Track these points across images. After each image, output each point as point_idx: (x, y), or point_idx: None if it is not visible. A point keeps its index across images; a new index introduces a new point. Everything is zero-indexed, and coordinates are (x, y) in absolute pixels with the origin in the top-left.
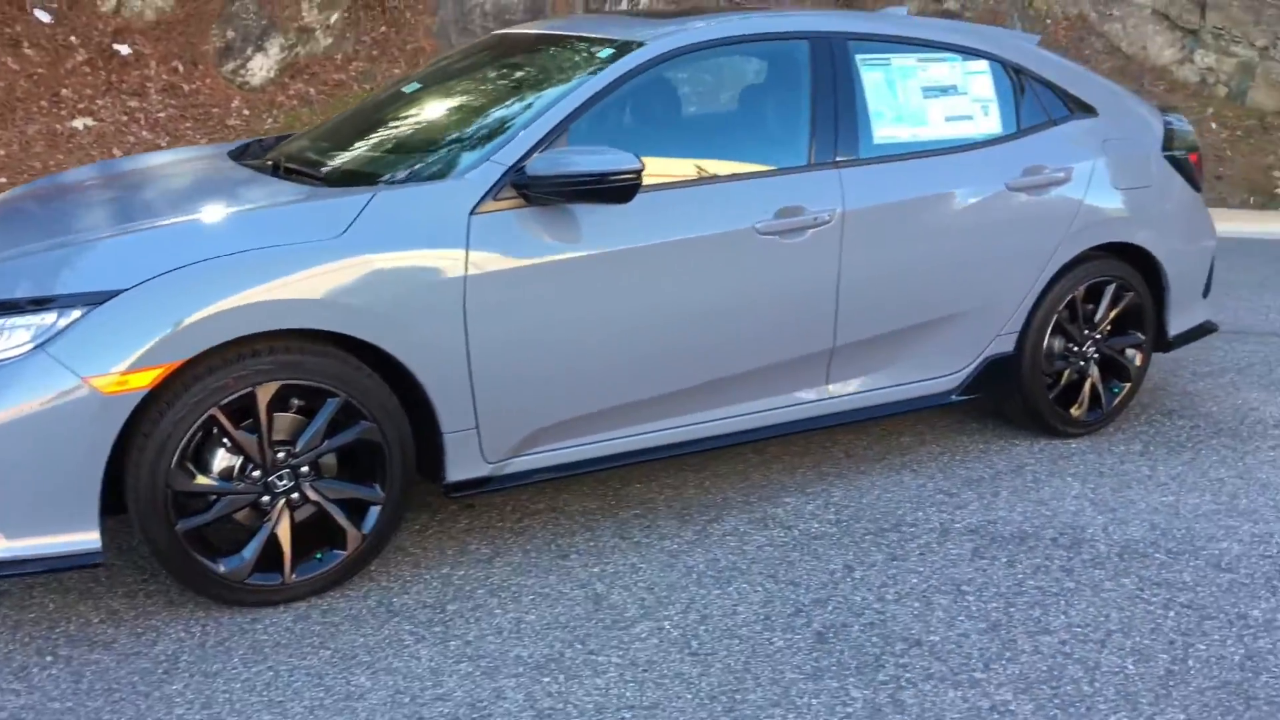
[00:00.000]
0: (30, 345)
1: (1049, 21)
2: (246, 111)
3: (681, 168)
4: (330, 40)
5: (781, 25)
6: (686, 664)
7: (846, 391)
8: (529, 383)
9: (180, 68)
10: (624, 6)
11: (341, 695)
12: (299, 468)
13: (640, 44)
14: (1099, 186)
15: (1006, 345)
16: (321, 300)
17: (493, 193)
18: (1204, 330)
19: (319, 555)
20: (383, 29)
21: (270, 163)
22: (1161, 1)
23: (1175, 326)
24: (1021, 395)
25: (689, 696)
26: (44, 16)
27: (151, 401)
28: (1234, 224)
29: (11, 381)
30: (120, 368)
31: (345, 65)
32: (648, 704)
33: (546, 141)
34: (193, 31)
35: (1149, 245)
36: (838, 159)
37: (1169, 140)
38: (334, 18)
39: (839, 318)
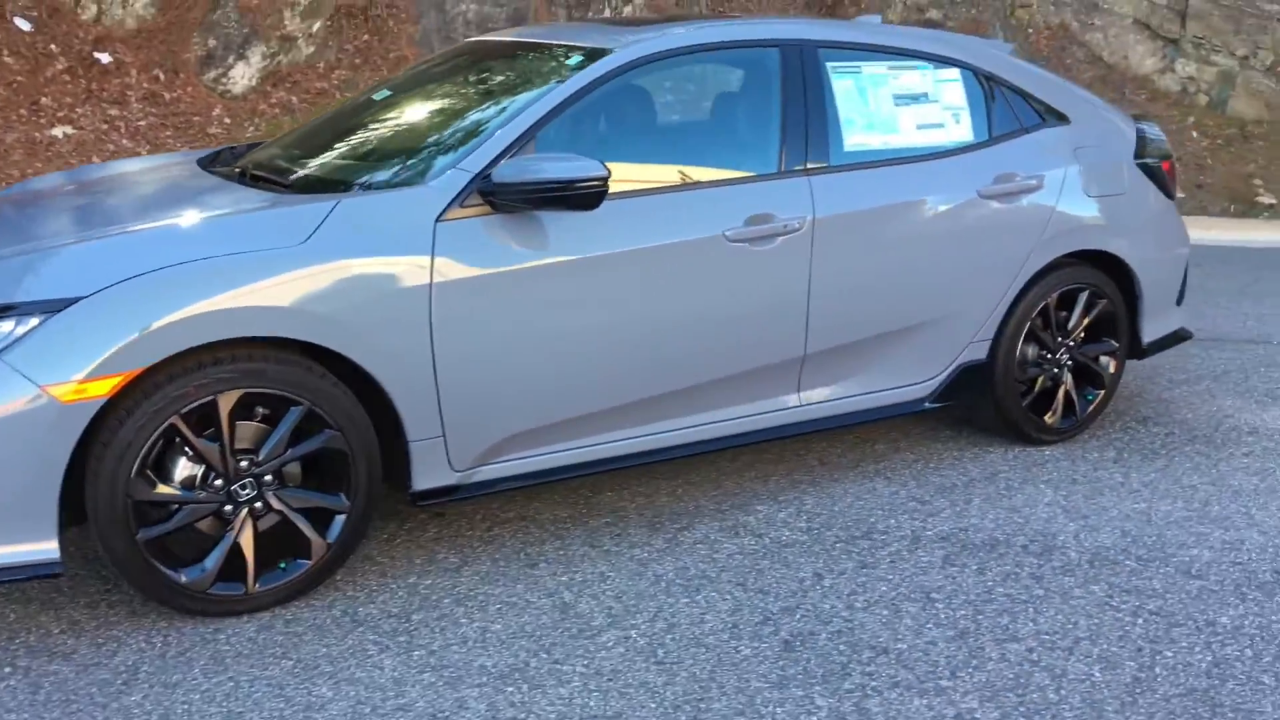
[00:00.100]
0: None
1: (1031, 31)
2: (228, 120)
3: (651, 175)
4: (313, 49)
5: (751, 33)
6: (652, 673)
7: (818, 399)
8: (496, 390)
9: (161, 76)
10: (607, 14)
11: (302, 706)
12: (262, 476)
13: (609, 51)
14: (1071, 194)
15: (979, 353)
16: (283, 308)
17: (459, 200)
18: (1178, 338)
19: (283, 565)
20: (365, 37)
21: (238, 170)
22: (1143, 11)
23: (1149, 334)
24: (995, 403)
25: (653, 705)
26: (24, 24)
27: (111, 410)
28: (1214, 232)
29: None
30: (78, 376)
31: (328, 74)
32: (611, 713)
33: (513, 148)
34: (174, 40)
35: (1122, 253)
36: (808, 166)
37: (1142, 148)
38: (316, 26)
39: (810, 325)
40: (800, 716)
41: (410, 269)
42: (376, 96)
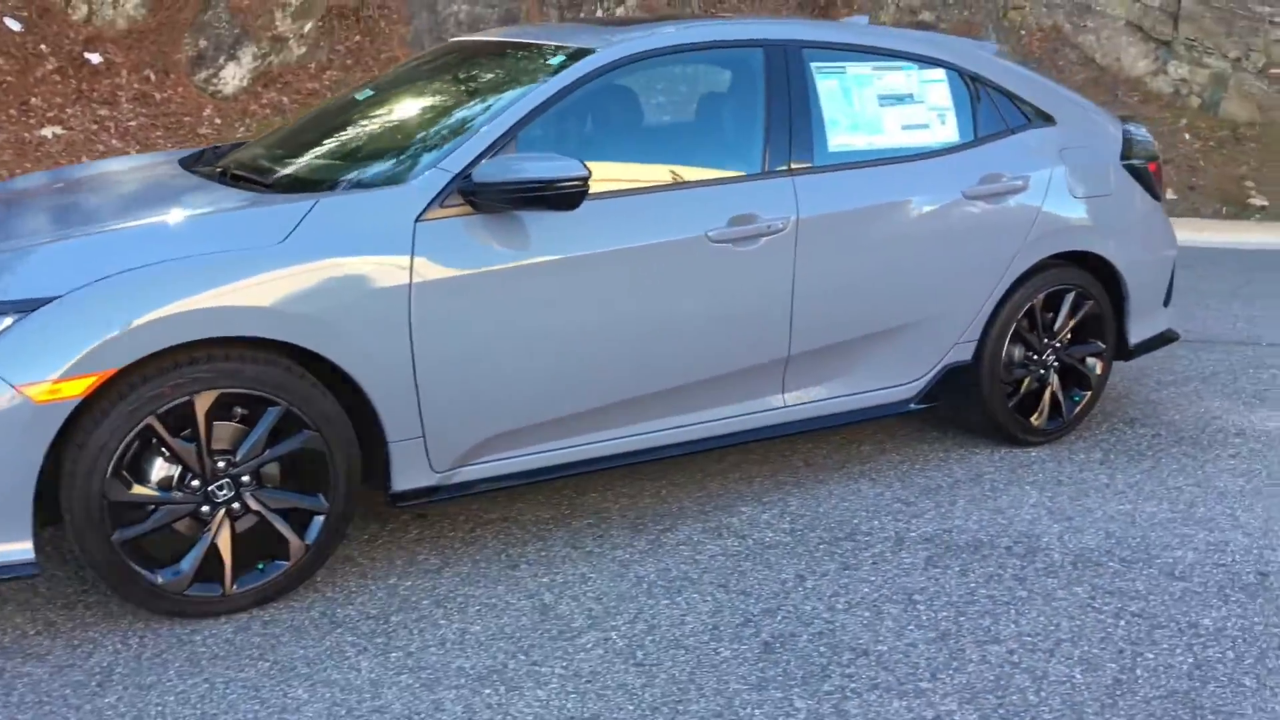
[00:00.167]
0: None
1: (1024, 33)
2: (219, 120)
3: (634, 175)
4: (304, 49)
5: (735, 33)
6: (630, 675)
7: (803, 400)
8: (476, 391)
9: (152, 76)
10: (600, 14)
11: (277, 708)
12: (240, 477)
13: (591, 51)
14: (1057, 195)
15: (965, 354)
16: (260, 308)
17: (439, 200)
18: (1165, 339)
19: (261, 566)
20: (357, 38)
21: (219, 170)
22: (1135, 13)
23: (1136, 335)
24: (980, 404)
25: (630, 708)
26: (14, 24)
27: (86, 410)
28: (1206, 234)
29: None
30: (53, 376)
31: (319, 74)
32: (588, 715)
33: (495, 148)
34: (165, 40)
35: (1108, 254)
36: (792, 167)
37: (1128, 149)
38: (308, 27)
39: (793, 326)
40: (779, 718)
41: (389, 269)
42: (359, 96)
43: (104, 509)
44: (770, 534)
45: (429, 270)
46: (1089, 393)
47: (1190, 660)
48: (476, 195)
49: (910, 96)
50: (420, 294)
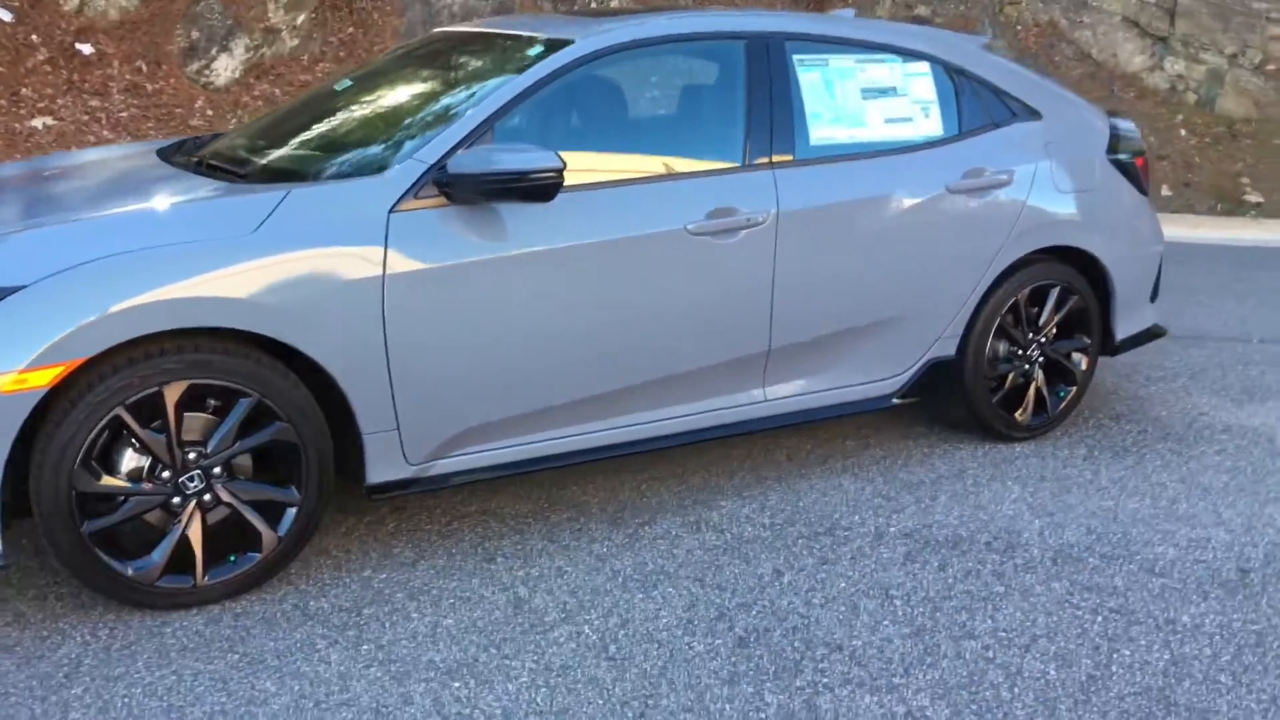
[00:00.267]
0: None
1: (1019, 28)
2: (210, 112)
3: (612, 167)
4: (296, 41)
5: (716, 25)
6: (602, 669)
7: (784, 394)
8: (452, 384)
9: (144, 67)
10: (594, 6)
11: (244, 700)
12: (211, 469)
13: (570, 42)
14: (1042, 190)
15: (948, 349)
16: (230, 298)
17: (413, 191)
18: (1152, 334)
19: (233, 558)
20: (350, 30)
21: (195, 160)
22: (1131, 9)
23: (1122, 330)
24: (964, 399)
25: (600, 702)
26: (4, 15)
27: (54, 400)
28: (1201, 230)
29: None
30: (19, 366)
31: (311, 66)
32: (557, 709)
33: (470, 139)
34: (157, 31)
35: (1093, 249)
36: (773, 160)
37: (1114, 144)
38: (300, 18)
39: (774, 320)
40: (749, 713)
41: (362, 260)
42: (338, 87)
43: (72, 500)
44: (749, 528)
45: (403, 261)
46: (1074, 388)
47: (1167, 657)
48: (451, 186)
49: (893, 90)
50: (393, 286)
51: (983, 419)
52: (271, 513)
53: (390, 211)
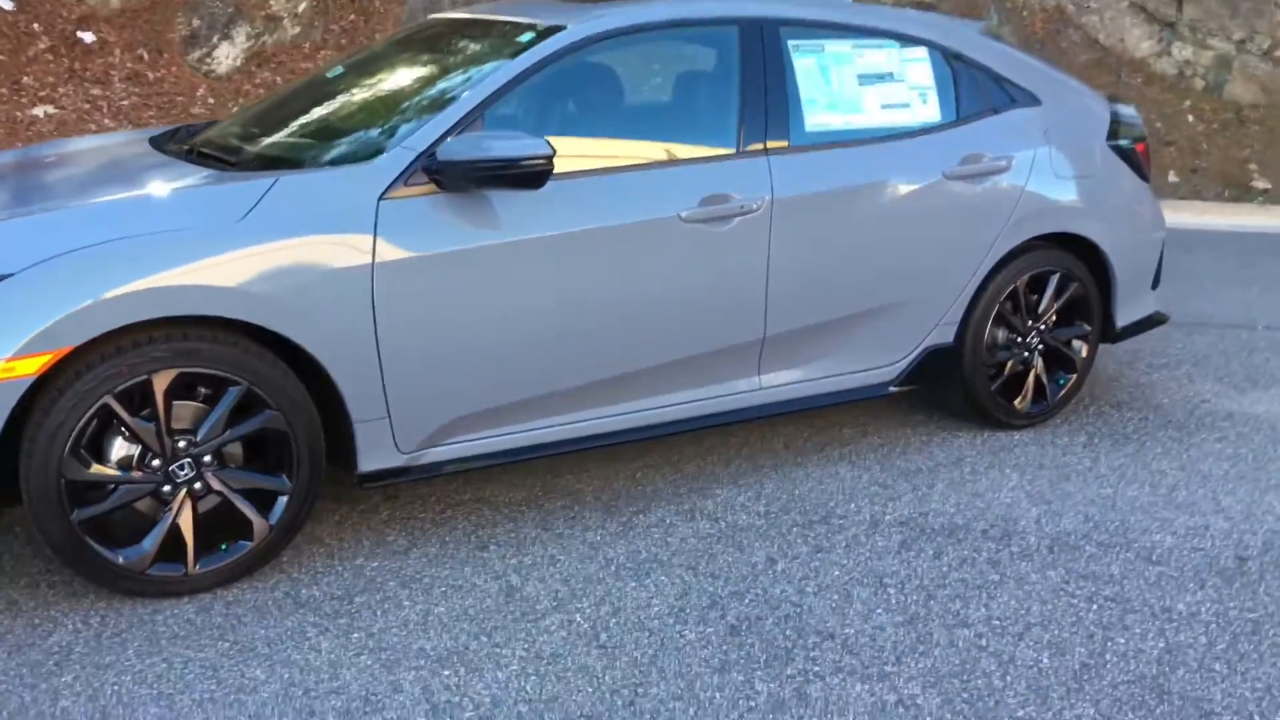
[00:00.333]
0: None
1: (1026, 14)
2: (212, 100)
3: (604, 154)
4: (298, 29)
5: (710, 11)
6: (593, 657)
7: (779, 382)
8: (443, 372)
9: (145, 56)
10: None
11: (234, 688)
12: (201, 457)
13: (562, 28)
14: (1041, 176)
15: (946, 336)
16: (217, 287)
17: (403, 178)
18: (1153, 321)
19: (224, 546)
20: (351, 18)
21: (186, 148)
22: None
23: (1123, 318)
24: (963, 387)
25: (590, 690)
26: (6, 4)
27: (43, 389)
28: (1208, 217)
29: None
30: (6, 354)
31: (313, 54)
32: (546, 697)
33: (460, 126)
34: (158, 19)
35: (1093, 235)
36: (767, 146)
37: (1115, 129)
38: (302, 6)
39: (769, 307)
40: (739, 701)
41: (351, 248)
42: (331, 74)
43: (61, 488)
44: (744, 517)
45: (392, 249)
46: (1074, 376)
47: (1161, 645)
48: (441, 174)
49: (890, 75)
50: (383, 274)
51: (981, 407)
52: (263, 501)
53: (380, 199)
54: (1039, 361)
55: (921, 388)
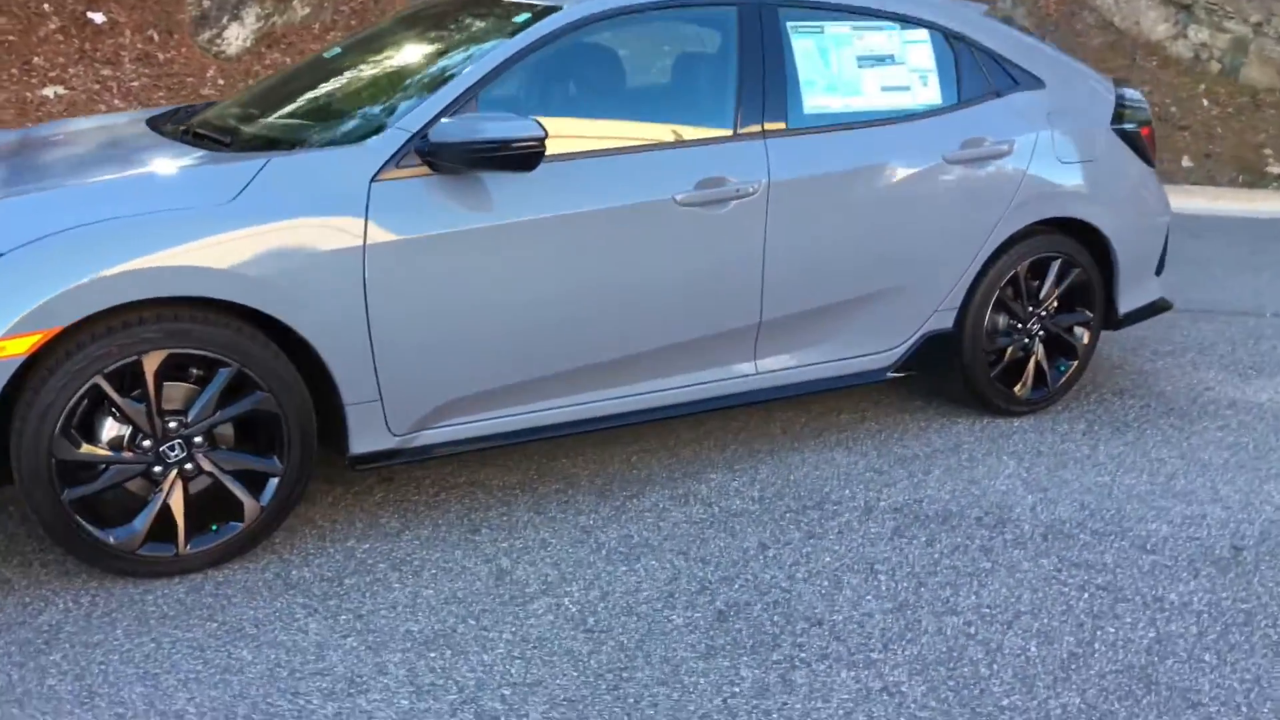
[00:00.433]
0: None
1: None
2: (221, 81)
3: (599, 136)
4: (308, 10)
5: None
6: (579, 641)
7: (776, 367)
8: (435, 355)
9: (155, 36)
10: None
11: (220, 668)
12: (192, 438)
13: (557, 8)
14: (1043, 160)
15: (945, 322)
16: (208, 268)
17: (395, 160)
18: (1156, 308)
19: (215, 527)
20: None
21: (183, 129)
22: None
23: (1126, 304)
24: (962, 373)
25: (574, 674)
26: None
27: (33, 369)
28: (1221, 202)
29: None
30: None
31: (323, 35)
32: (531, 681)
33: (454, 107)
34: (168, 0)
35: (1096, 220)
36: (765, 129)
37: (1120, 113)
38: None
39: (765, 292)
40: (723, 687)
41: (342, 230)
42: (327, 55)
43: (52, 467)
44: (738, 502)
45: (384, 231)
46: (1075, 363)
47: (1151, 634)
48: (433, 155)
49: (891, 57)
50: (375, 256)
51: (981, 393)
52: (254, 482)
53: (372, 180)
54: (1040, 348)
55: (920, 374)
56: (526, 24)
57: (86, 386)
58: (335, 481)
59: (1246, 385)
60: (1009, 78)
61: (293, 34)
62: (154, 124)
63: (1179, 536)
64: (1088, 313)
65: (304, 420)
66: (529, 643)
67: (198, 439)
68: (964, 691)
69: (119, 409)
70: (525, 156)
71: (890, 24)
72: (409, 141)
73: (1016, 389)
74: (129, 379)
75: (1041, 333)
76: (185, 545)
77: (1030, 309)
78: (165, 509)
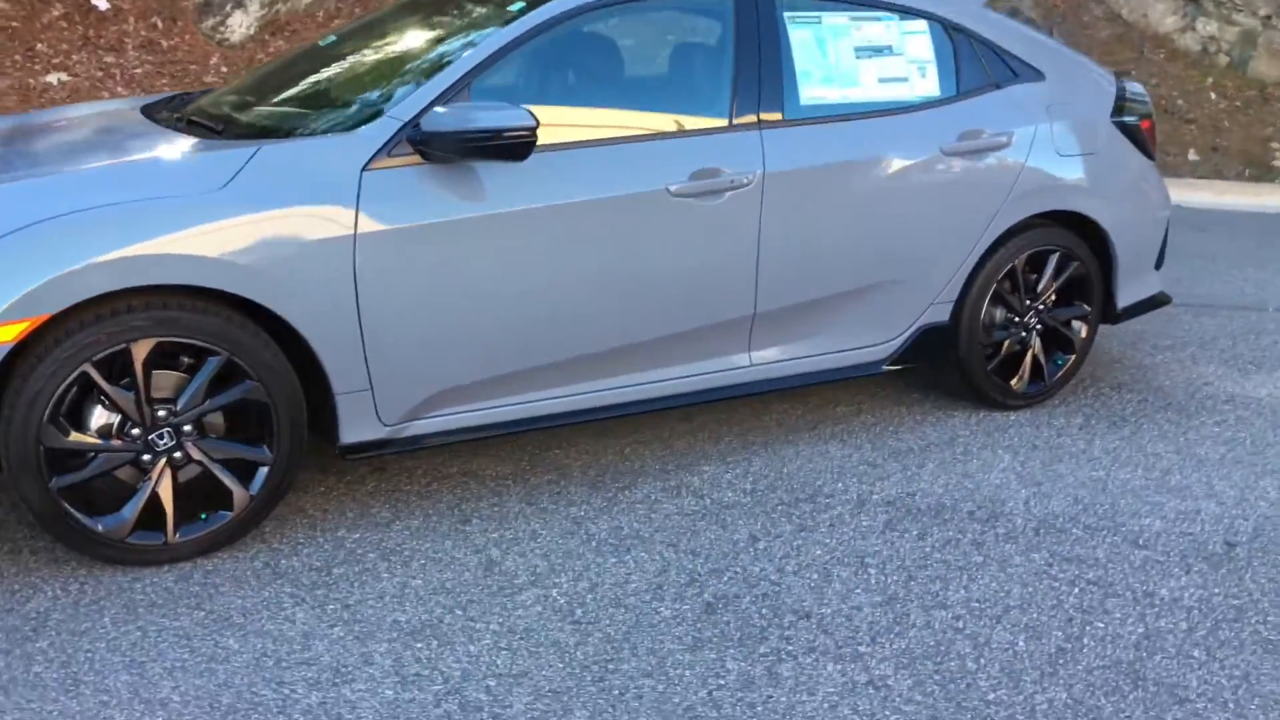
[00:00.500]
0: None
1: None
2: (225, 69)
3: (593, 126)
4: None
5: None
6: (566, 632)
7: (770, 359)
8: (425, 345)
9: (159, 23)
10: None
11: (206, 657)
12: (181, 426)
13: None
14: (1042, 152)
15: (942, 315)
16: (197, 255)
17: (387, 149)
18: (1156, 302)
19: (204, 515)
20: None
21: (177, 117)
22: None
23: (1124, 298)
24: (958, 367)
25: (560, 665)
26: None
27: (21, 356)
28: (1228, 196)
29: None
30: None
31: (326, 22)
32: (516, 672)
33: (446, 97)
34: None
35: (1094, 213)
36: (760, 119)
37: (1120, 106)
38: None
39: (759, 284)
40: (709, 679)
41: (333, 219)
42: (323, 43)
43: (40, 455)
44: (730, 494)
45: (375, 220)
46: (1073, 356)
47: (1140, 630)
48: (425, 144)
49: (889, 48)
50: (365, 245)
51: (977, 386)
52: (243, 471)
53: (363, 170)
54: (1037, 342)
55: (916, 366)
56: (521, 12)
57: (75, 374)
58: (328, 471)
59: (1246, 380)
60: (1008, 69)
61: (296, 21)
62: (148, 111)
63: (1172, 532)
64: (1085, 306)
65: (294, 409)
66: (516, 634)
67: (187, 427)
68: (950, 685)
69: (108, 397)
70: (517, 146)
71: (888, 14)
72: (401, 130)
73: (1013, 382)
74: (118, 367)
75: (1039, 326)
76: (174, 534)
77: (1028, 302)
78: (154, 497)
